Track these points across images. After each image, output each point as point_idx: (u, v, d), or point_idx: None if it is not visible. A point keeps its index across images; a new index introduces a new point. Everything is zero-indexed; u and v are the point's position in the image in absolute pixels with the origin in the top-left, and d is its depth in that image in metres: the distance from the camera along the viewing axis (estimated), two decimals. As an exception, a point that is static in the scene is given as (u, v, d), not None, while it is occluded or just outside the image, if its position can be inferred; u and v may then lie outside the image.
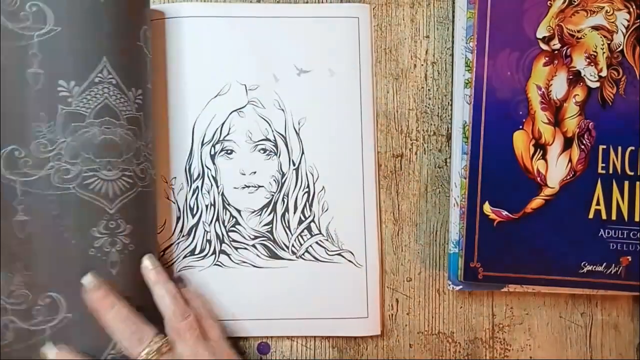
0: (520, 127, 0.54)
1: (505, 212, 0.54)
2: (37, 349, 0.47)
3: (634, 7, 0.54)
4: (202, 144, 0.56)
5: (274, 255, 0.56)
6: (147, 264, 0.50)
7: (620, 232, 0.54)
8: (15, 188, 0.47)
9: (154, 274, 0.49)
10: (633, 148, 0.54)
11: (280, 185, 0.56)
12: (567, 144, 0.54)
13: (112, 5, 0.49)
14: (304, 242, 0.56)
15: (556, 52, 0.54)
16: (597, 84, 0.54)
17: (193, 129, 0.56)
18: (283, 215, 0.56)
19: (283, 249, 0.56)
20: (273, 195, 0.56)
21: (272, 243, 0.56)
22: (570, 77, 0.54)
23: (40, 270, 0.47)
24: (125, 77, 0.49)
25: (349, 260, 0.56)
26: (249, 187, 0.56)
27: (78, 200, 0.48)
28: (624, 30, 0.54)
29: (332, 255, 0.56)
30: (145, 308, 0.49)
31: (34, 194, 0.47)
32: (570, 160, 0.54)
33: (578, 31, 0.54)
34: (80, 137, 0.48)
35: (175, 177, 0.56)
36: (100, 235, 0.48)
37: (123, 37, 0.50)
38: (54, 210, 0.47)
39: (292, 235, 0.56)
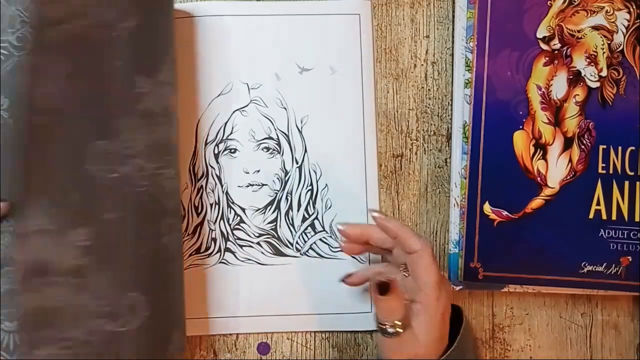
0: (521, 127, 0.54)
1: (505, 212, 0.54)
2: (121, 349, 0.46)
3: (634, 7, 0.54)
4: (206, 144, 0.56)
5: (279, 253, 0.56)
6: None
7: (620, 232, 0.53)
8: (104, 185, 0.47)
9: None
10: (633, 148, 0.54)
11: (283, 183, 0.56)
12: (567, 144, 0.54)
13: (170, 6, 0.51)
14: (308, 239, 0.56)
15: (556, 52, 0.54)
16: (597, 84, 0.54)
17: (196, 128, 0.56)
18: (287, 212, 0.56)
19: (287, 246, 0.56)
20: (277, 193, 0.56)
21: (276, 240, 0.56)
22: (571, 77, 0.54)
23: (120, 270, 0.47)
24: (175, 78, 0.51)
25: (353, 256, 0.56)
26: (252, 185, 0.56)
27: (149, 198, 0.48)
28: (624, 30, 0.54)
29: (336, 251, 0.56)
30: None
31: (116, 190, 0.47)
32: (570, 160, 0.54)
33: (578, 31, 0.54)
34: (151, 135, 0.48)
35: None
36: (164, 232, 0.49)
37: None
38: (130, 208, 0.47)
39: (296, 232, 0.56)
